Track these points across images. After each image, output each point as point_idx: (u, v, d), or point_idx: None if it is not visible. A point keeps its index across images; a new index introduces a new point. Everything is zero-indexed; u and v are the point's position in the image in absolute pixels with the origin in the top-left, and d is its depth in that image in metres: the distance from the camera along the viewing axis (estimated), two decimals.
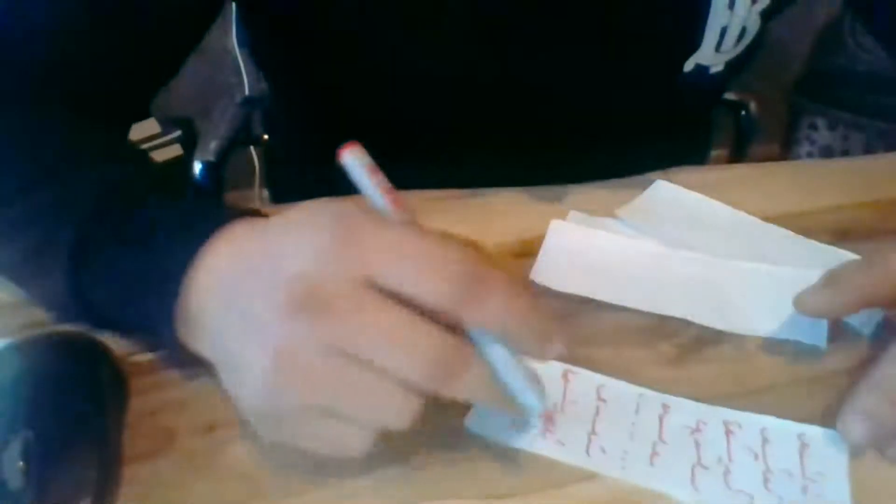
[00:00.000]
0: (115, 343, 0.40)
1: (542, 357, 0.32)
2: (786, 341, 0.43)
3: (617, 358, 0.42)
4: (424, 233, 0.30)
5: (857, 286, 0.41)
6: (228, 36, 1.11)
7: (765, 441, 0.38)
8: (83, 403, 0.36)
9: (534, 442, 0.37)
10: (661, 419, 0.39)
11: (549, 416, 0.38)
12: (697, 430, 0.38)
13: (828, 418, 0.39)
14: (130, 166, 0.43)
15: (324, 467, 0.35)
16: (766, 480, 0.36)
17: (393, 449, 0.35)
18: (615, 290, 0.46)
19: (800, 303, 0.41)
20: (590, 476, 0.36)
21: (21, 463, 0.33)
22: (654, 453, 0.37)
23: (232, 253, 0.33)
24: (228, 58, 1.16)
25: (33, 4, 0.46)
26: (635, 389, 0.40)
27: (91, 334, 0.40)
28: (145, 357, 0.41)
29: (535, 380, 0.33)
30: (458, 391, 0.30)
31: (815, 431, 0.38)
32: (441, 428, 0.37)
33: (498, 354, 0.32)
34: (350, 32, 0.54)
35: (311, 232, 0.30)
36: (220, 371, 0.33)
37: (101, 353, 0.39)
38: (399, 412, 0.30)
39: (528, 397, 0.33)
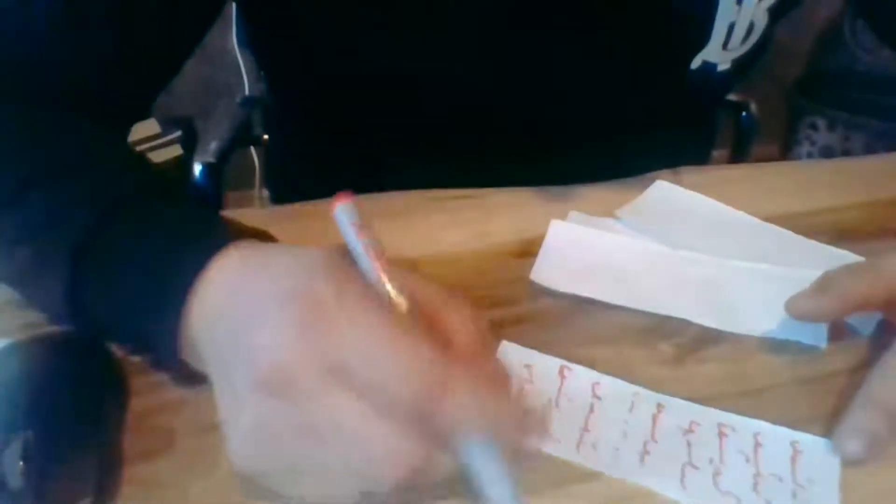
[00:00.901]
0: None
1: (518, 445, 0.32)
2: (785, 341, 0.43)
3: (616, 358, 0.42)
4: (395, 327, 0.30)
5: (847, 290, 0.41)
6: (228, 36, 1.12)
7: (757, 445, 0.38)
8: (83, 403, 0.36)
9: None
10: (654, 418, 0.39)
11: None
12: (690, 430, 0.38)
13: (827, 419, 0.39)
14: (128, 174, 0.42)
15: None
16: (755, 484, 0.36)
17: None
18: (615, 290, 0.46)
19: (792, 306, 0.41)
20: (589, 476, 0.36)
21: (21, 463, 0.33)
22: (645, 452, 0.37)
23: (221, 298, 0.33)
24: (228, 58, 1.17)
25: (32, 2, 0.46)
26: (631, 388, 0.40)
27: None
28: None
29: (513, 488, 0.30)
30: (421, 483, 0.30)
31: (808, 439, 0.38)
32: None
33: (472, 453, 0.30)
34: (350, 32, 0.54)
35: (284, 314, 0.30)
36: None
37: (101, 353, 0.39)
38: (371, 487, 0.30)
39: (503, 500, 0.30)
